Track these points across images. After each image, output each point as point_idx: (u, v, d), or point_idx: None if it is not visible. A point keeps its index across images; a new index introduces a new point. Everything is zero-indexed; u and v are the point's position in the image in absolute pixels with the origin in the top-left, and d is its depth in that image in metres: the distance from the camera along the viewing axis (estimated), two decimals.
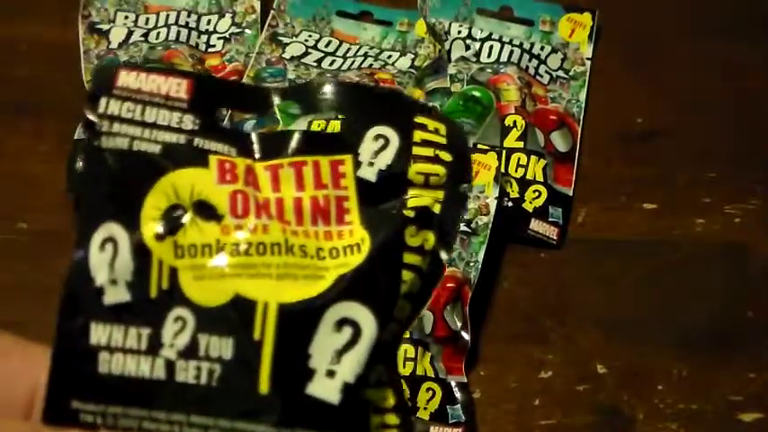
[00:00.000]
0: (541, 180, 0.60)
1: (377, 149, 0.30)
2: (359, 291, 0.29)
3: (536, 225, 0.59)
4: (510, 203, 0.59)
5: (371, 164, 0.30)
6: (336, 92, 0.31)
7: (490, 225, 0.56)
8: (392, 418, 0.31)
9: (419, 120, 0.31)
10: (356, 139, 0.30)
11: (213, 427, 0.28)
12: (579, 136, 0.63)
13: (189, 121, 0.30)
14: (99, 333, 0.29)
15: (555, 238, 0.59)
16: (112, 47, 0.65)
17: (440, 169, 0.31)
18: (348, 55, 0.66)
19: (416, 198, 0.30)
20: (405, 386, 0.51)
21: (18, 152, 0.62)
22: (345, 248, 0.30)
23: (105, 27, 0.66)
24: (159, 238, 0.29)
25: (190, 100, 0.30)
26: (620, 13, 0.68)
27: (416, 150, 0.30)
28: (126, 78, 0.30)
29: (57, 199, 0.59)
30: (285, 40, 0.66)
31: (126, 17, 0.66)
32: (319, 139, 0.31)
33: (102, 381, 0.28)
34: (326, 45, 0.66)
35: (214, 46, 0.66)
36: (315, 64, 0.65)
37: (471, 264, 0.55)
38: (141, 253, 0.29)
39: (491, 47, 0.66)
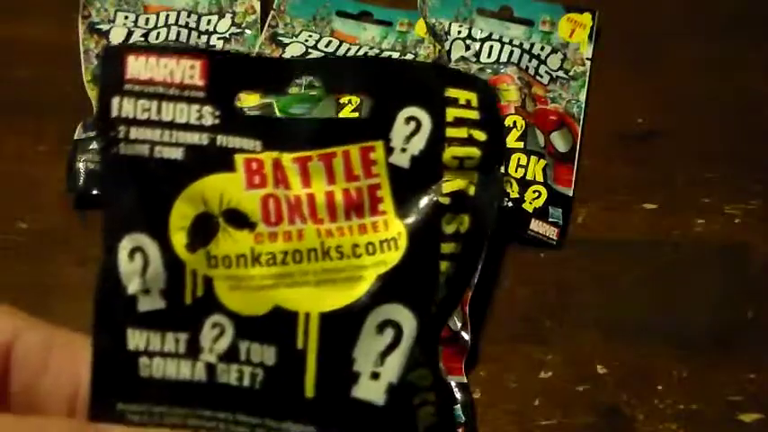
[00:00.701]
0: (541, 180, 0.60)
1: (409, 134, 0.29)
2: (398, 291, 0.29)
3: (536, 225, 0.59)
4: (510, 203, 0.59)
5: (404, 150, 0.29)
6: (362, 66, 0.30)
7: None
8: (431, 396, 0.31)
9: (450, 93, 0.29)
10: (386, 123, 0.29)
11: (260, 425, 0.28)
12: (579, 136, 0.63)
13: (209, 115, 0.29)
14: (136, 339, 0.28)
15: (555, 238, 0.59)
16: None
17: (474, 152, 0.29)
18: (348, 55, 0.66)
19: (451, 182, 0.29)
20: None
21: (18, 152, 0.62)
22: (382, 243, 0.29)
23: (105, 27, 0.66)
24: (191, 248, 0.28)
25: (206, 87, 0.29)
26: (620, 14, 0.68)
27: (450, 132, 0.29)
28: (135, 66, 0.29)
29: (57, 199, 0.59)
30: (285, 40, 0.66)
31: (126, 17, 0.66)
32: (348, 126, 0.30)
33: (144, 383, 0.28)
34: (326, 45, 0.66)
35: (214, 46, 0.66)
36: None
37: None
38: (173, 263, 0.28)
39: (491, 47, 0.66)
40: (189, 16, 0.67)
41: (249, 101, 0.59)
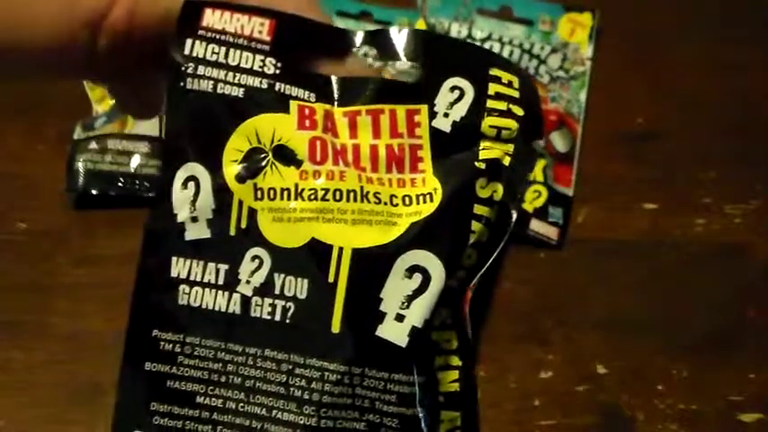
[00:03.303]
0: (541, 180, 0.60)
1: (452, 101, 0.31)
2: (430, 240, 0.30)
3: (536, 225, 0.59)
4: None
5: (446, 115, 0.31)
6: (415, 38, 0.32)
7: None
8: (455, 360, 0.32)
9: (494, 72, 0.31)
10: (432, 90, 0.31)
11: (286, 361, 0.29)
12: (579, 136, 0.63)
13: (271, 65, 0.31)
14: (179, 267, 0.29)
15: (555, 238, 0.59)
16: None
17: (512, 123, 0.31)
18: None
19: (488, 150, 0.31)
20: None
21: (18, 152, 0.62)
22: (418, 197, 0.30)
23: None
24: (240, 179, 0.30)
25: (272, 42, 0.31)
26: (620, 13, 0.68)
27: (490, 104, 0.31)
28: (211, 18, 0.30)
29: (56, 199, 0.59)
30: None
31: None
32: (397, 88, 0.31)
33: (181, 312, 0.29)
34: None
35: None
36: None
37: None
38: (222, 193, 0.30)
39: (491, 47, 0.66)
40: None
41: None
